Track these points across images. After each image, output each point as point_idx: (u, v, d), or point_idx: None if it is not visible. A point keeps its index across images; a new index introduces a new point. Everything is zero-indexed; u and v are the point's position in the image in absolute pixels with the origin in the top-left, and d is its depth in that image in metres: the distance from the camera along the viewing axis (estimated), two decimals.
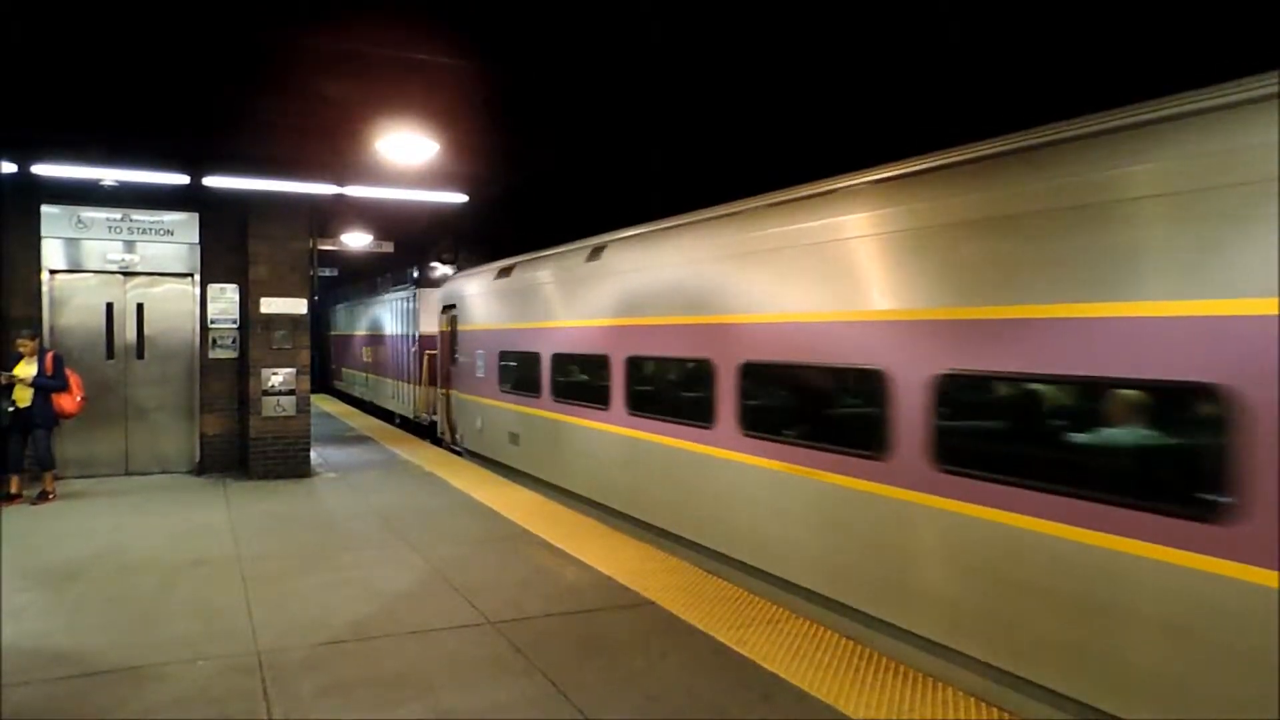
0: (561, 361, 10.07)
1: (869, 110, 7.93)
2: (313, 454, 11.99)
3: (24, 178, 9.72)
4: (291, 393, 11.34)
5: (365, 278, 23.84)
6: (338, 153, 9.19)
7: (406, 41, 6.19)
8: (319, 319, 30.76)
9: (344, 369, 27.51)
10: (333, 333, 29.95)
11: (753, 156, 9.47)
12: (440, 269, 17.98)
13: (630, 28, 6.11)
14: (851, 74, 7.06)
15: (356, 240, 16.32)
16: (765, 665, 4.90)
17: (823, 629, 5.55)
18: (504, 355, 11.84)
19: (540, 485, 10.53)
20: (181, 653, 5.04)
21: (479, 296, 13.01)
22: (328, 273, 22.05)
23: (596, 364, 9.08)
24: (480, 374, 12.66)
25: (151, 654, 5.02)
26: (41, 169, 9.53)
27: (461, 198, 11.02)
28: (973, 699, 4.49)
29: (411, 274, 18.52)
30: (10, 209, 10.50)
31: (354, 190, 10.57)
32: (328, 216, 14.04)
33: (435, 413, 16.17)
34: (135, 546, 7.57)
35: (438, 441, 15.46)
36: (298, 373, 11.40)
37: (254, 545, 7.63)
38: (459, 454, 13.71)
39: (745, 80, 7.20)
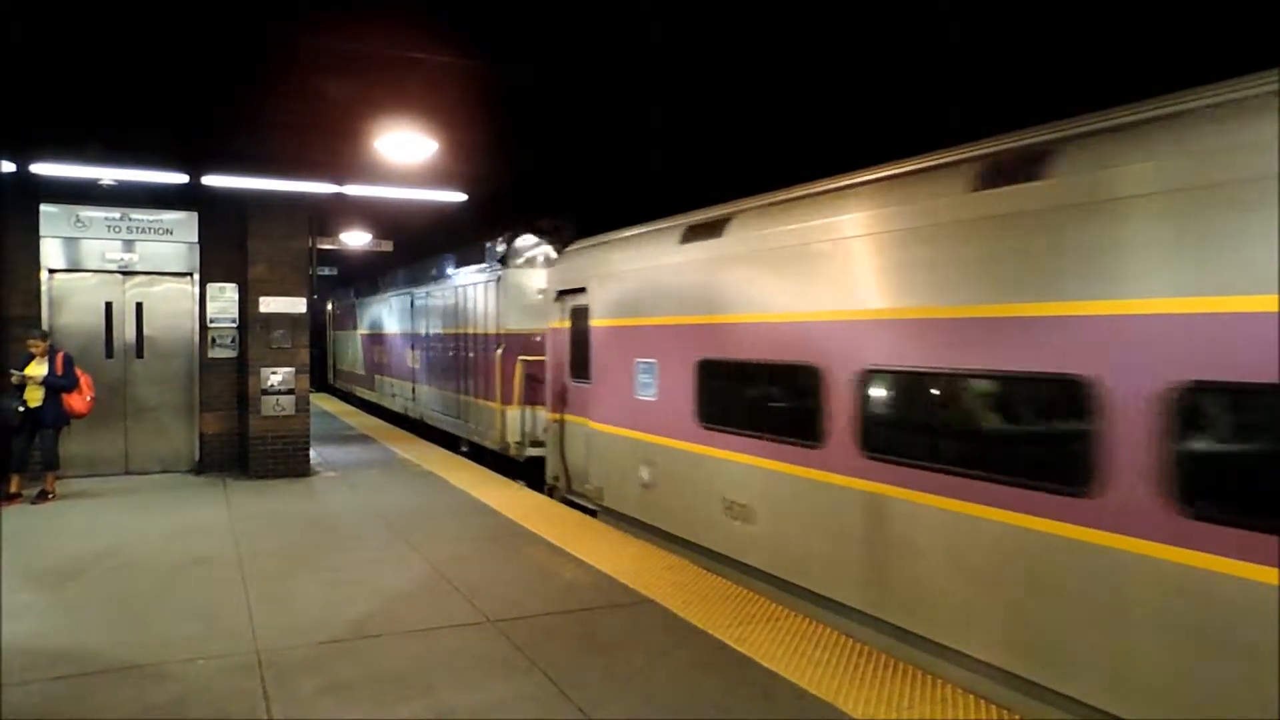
0: (905, 387, 5.37)
1: (865, 111, 7.93)
2: (312, 453, 11.99)
3: (23, 177, 9.71)
4: (291, 392, 11.34)
5: (407, 263, 18.46)
6: (337, 152, 9.20)
7: (405, 40, 6.19)
8: (331, 316, 28.29)
9: (378, 376, 21.15)
10: (359, 331, 23.54)
11: (751, 152, 9.47)
12: (537, 242, 12.51)
13: (630, 27, 6.11)
14: (847, 75, 7.06)
15: (356, 239, 16.32)
16: (764, 663, 4.91)
17: (822, 627, 5.55)
18: (711, 368, 7.19)
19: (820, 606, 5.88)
20: (181, 652, 5.04)
21: (642, 273, 8.30)
22: (327, 271, 21.94)
23: (1034, 392, 4.60)
24: (648, 395, 8.04)
25: (151, 653, 5.02)
26: (40, 168, 9.52)
27: (460, 196, 11.03)
28: (971, 696, 4.50)
29: (494, 250, 12.82)
30: (9, 208, 10.50)
31: (353, 189, 10.57)
32: (327, 215, 14.03)
33: (533, 443, 11.80)
34: (135, 546, 7.57)
35: (539, 486, 10.90)
36: (297, 372, 11.40)
37: (254, 544, 7.64)
38: (593, 514, 9.21)
39: (743, 79, 7.20)
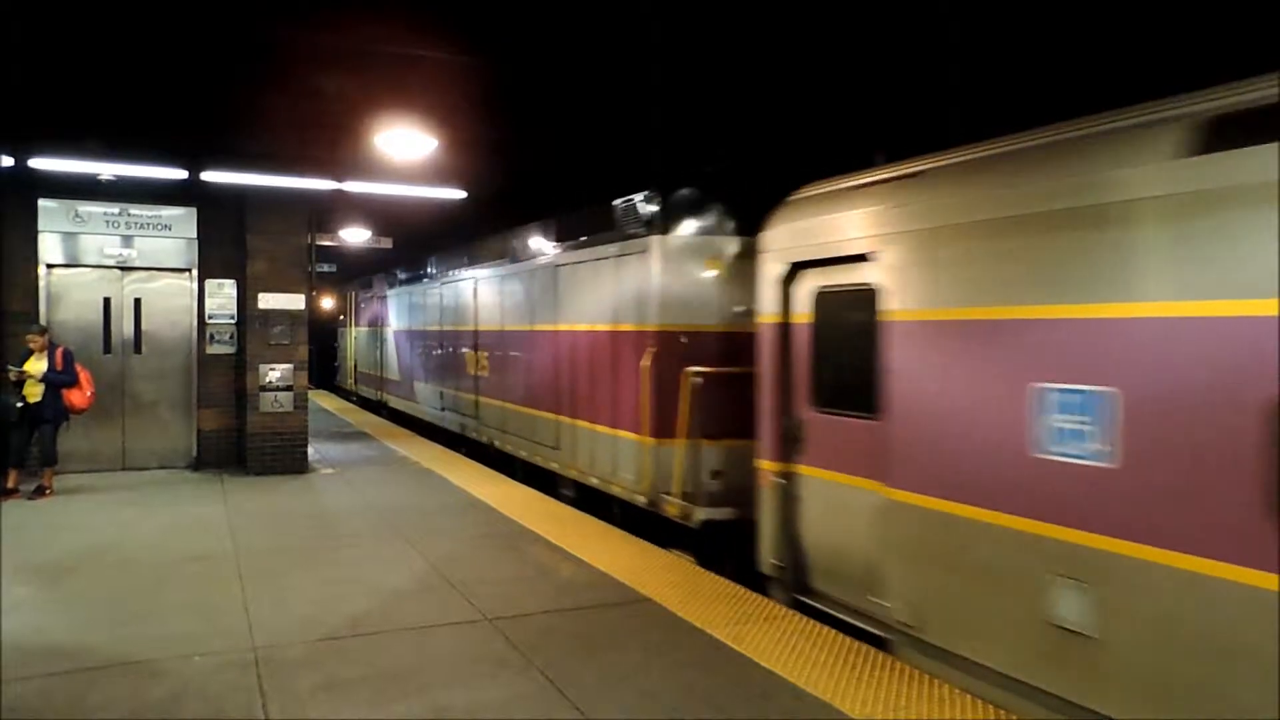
0: None
1: (869, 109, 7.92)
2: (310, 450, 11.98)
3: (21, 171, 9.69)
4: (289, 388, 11.34)
5: (470, 239, 14.26)
6: (336, 148, 9.18)
7: (405, 37, 6.18)
8: (351, 309, 24.85)
9: (420, 383, 17.09)
10: (393, 327, 19.36)
11: (751, 149, 9.45)
12: (713, 197, 8.38)
13: (630, 25, 6.11)
14: (853, 73, 7.04)
15: (355, 236, 16.31)
16: (762, 662, 4.91)
17: (820, 626, 5.55)
18: None
19: None
20: (178, 648, 5.03)
21: (1049, 220, 4.42)
22: (326, 268, 21.87)
23: None
24: (1078, 452, 4.23)
25: (148, 650, 5.01)
26: (39, 163, 9.50)
27: (460, 194, 11.02)
28: (969, 697, 4.50)
29: (637, 210, 8.74)
30: (8, 203, 10.49)
31: (353, 186, 10.56)
32: (326, 212, 14.01)
33: (711, 499, 7.72)
34: (132, 542, 7.56)
35: (716, 565, 7.27)
36: (295, 368, 11.40)
37: (251, 541, 7.63)
38: (879, 643, 5.40)
39: (743, 76, 7.20)
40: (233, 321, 11.56)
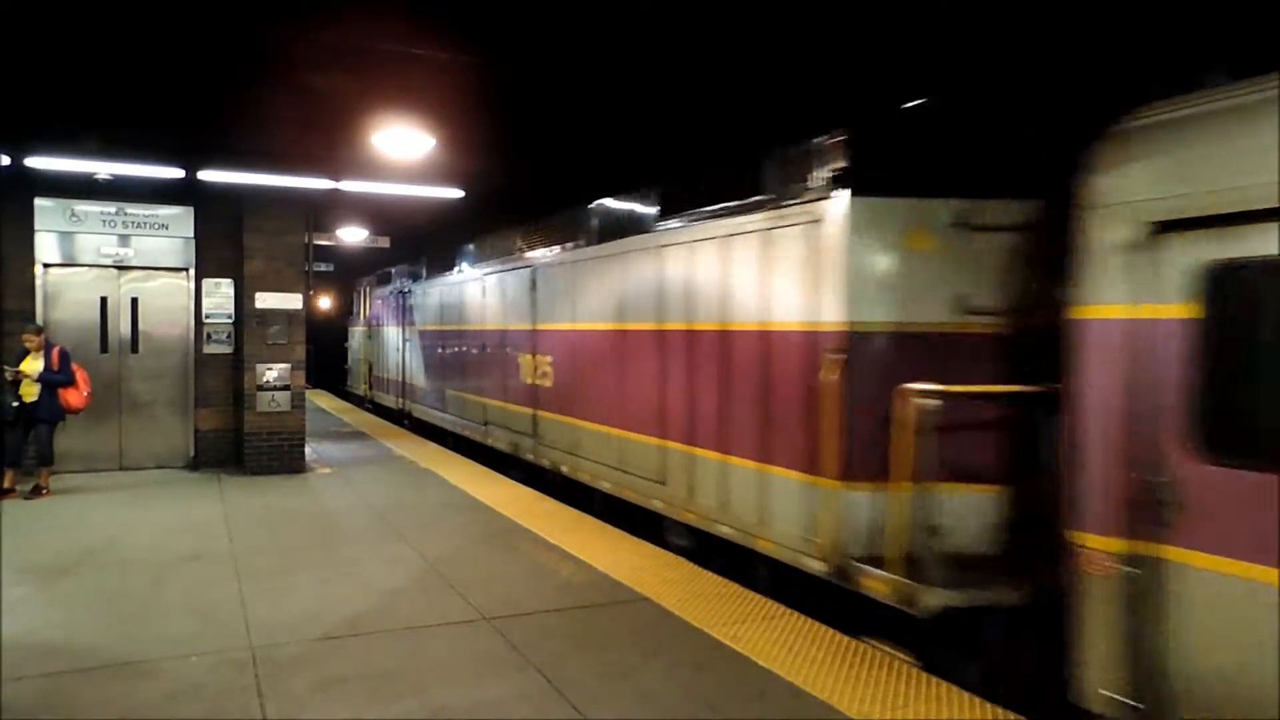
0: None
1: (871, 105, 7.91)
2: (308, 449, 11.97)
3: (18, 170, 9.68)
4: (287, 388, 11.32)
5: (522, 221, 11.94)
6: (334, 147, 9.17)
7: (404, 36, 6.17)
8: (364, 307, 22.17)
9: (455, 393, 14.55)
10: (420, 326, 16.75)
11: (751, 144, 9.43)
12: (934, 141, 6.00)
13: (630, 25, 6.10)
14: (854, 73, 7.04)
15: (352, 235, 16.30)
16: (760, 662, 4.91)
17: (819, 626, 5.55)
18: None
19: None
20: (175, 648, 5.02)
21: None
22: (323, 267, 21.81)
23: None
24: None
25: (145, 649, 5.00)
26: (35, 162, 9.48)
27: (458, 193, 11.01)
28: (968, 696, 4.50)
29: (805, 161, 6.35)
30: (4, 202, 10.47)
31: (350, 185, 10.54)
32: (324, 211, 14.00)
33: (949, 577, 5.01)
34: (129, 541, 7.54)
35: (943, 668, 4.95)
36: (293, 368, 11.39)
37: (248, 540, 7.62)
38: None
39: (743, 74, 7.19)
40: (230, 321, 11.54)
